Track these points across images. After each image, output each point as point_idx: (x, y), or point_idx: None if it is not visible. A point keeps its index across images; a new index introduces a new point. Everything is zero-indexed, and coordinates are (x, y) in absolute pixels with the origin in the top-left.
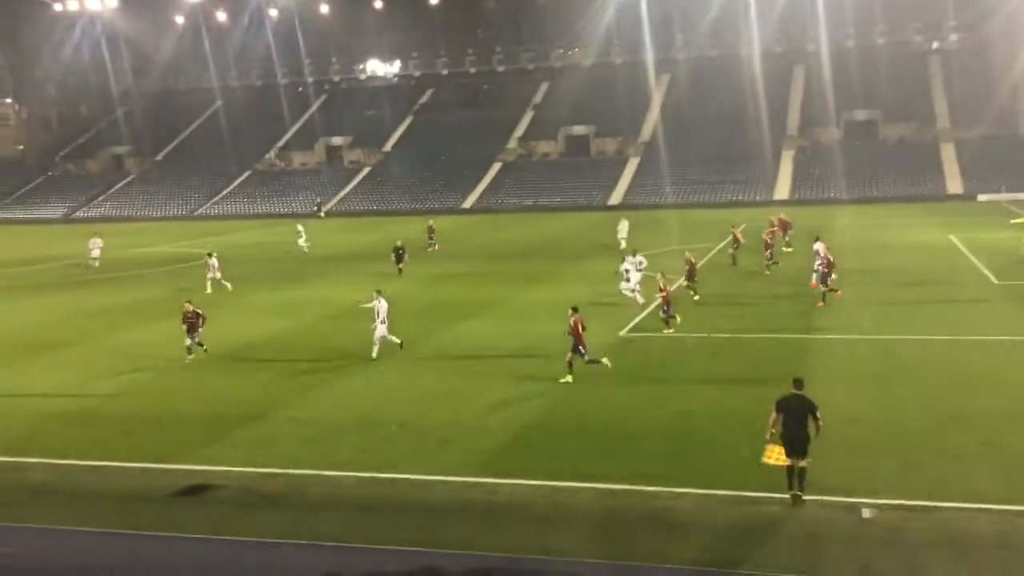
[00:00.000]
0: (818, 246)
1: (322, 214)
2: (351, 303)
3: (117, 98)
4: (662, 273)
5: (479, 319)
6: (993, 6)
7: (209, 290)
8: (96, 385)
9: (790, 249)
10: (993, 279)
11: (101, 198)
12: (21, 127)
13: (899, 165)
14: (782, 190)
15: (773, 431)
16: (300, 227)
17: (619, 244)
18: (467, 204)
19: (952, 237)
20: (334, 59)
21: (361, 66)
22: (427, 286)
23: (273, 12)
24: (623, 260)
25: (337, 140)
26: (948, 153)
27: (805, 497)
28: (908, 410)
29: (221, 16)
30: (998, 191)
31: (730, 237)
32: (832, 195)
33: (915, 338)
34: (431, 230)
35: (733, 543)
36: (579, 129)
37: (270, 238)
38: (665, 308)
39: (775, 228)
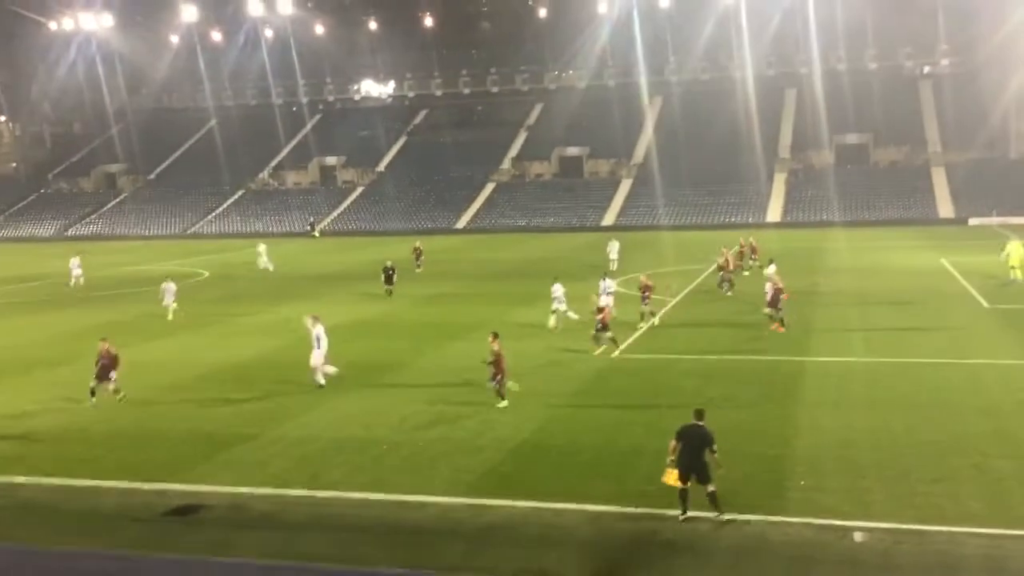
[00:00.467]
0: (769, 271)
1: (316, 233)
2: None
3: (112, 116)
4: (595, 293)
5: (469, 340)
6: (984, 31)
7: (171, 316)
8: (86, 404)
9: (746, 273)
10: (984, 303)
11: (93, 216)
12: (14, 145)
13: (891, 188)
14: (774, 212)
15: (672, 457)
16: (262, 247)
17: (610, 265)
18: (460, 224)
19: (943, 261)
20: (329, 79)
21: (356, 86)
22: (417, 306)
23: (268, 32)
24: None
25: (331, 160)
26: (939, 177)
27: (724, 516)
28: (899, 433)
29: (216, 36)
30: (989, 215)
31: (722, 259)
32: (824, 218)
33: (907, 361)
34: (418, 251)
35: (724, 565)
36: (572, 150)
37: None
38: (599, 327)
39: (738, 250)
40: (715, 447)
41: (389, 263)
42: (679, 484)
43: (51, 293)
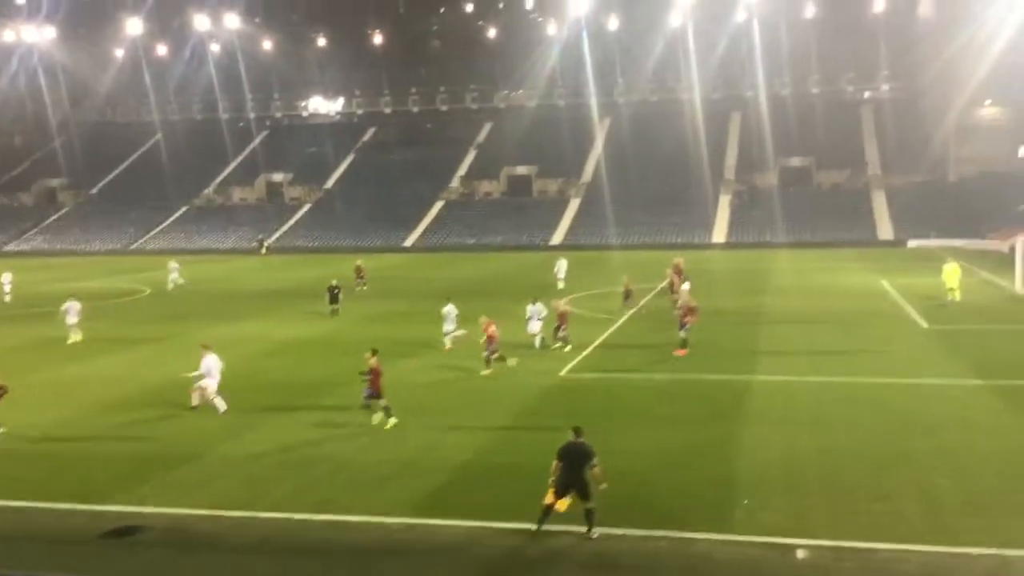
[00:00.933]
0: (684, 288)
1: (264, 250)
2: (283, 340)
3: (54, 129)
4: (486, 315)
5: (415, 358)
6: (923, 58)
7: (75, 338)
8: (21, 423)
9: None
10: (923, 323)
11: (34, 231)
12: None
13: (833, 211)
14: (720, 233)
15: (553, 477)
16: (173, 264)
17: (557, 284)
18: (409, 242)
19: (884, 282)
20: (277, 95)
21: (304, 103)
22: (363, 325)
23: (215, 47)
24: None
25: (278, 176)
26: (879, 200)
27: (594, 533)
28: (843, 451)
29: (162, 49)
30: (928, 237)
31: (667, 280)
32: (769, 239)
33: (849, 380)
34: (359, 270)
35: None
36: (522, 169)
37: (207, 274)
38: (488, 349)
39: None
40: (595, 462)
41: (334, 282)
42: (552, 501)
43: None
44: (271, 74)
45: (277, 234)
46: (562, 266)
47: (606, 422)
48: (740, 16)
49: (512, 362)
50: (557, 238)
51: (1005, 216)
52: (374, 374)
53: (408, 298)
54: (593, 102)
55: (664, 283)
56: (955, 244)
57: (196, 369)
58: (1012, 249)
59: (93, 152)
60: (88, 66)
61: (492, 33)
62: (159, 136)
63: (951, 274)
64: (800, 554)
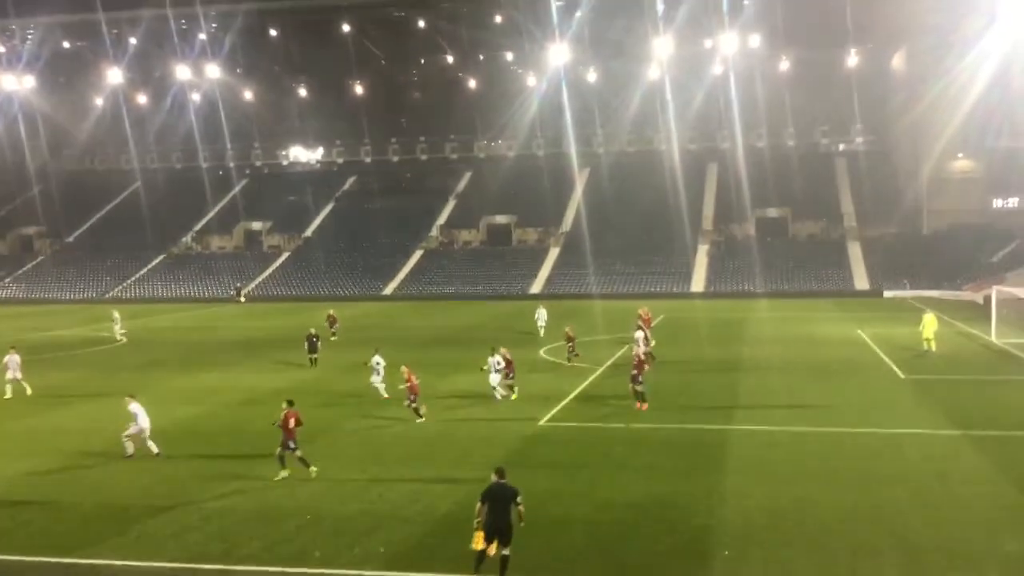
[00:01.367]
0: (637, 335)
1: (241, 299)
2: (258, 389)
3: (32, 177)
4: (407, 366)
5: (394, 407)
6: (895, 112)
7: (9, 394)
8: None
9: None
10: (900, 373)
11: (7, 280)
12: None
13: (809, 261)
14: (698, 282)
15: (479, 519)
16: (116, 314)
17: (538, 332)
18: (388, 291)
19: (861, 332)
20: (257, 144)
21: (284, 151)
22: (342, 374)
23: (196, 96)
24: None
25: (257, 224)
26: (855, 250)
27: None
28: (822, 502)
29: (142, 98)
30: (902, 288)
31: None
32: (747, 288)
33: (829, 431)
34: (331, 319)
35: None
36: (501, 218)
37: (184, 322)
38: (409, 398)
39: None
40: (520, 500)
41: (312, 331)
42: (482, 546)
43: None
44: (252, 123)
45: (255, 282)
46: (542, 314)
47: (585, 472)
48: (717, 69)
49: (513, 395)
50: (537, 287)
51: (979, 267)
52: (285, 424)
53: (387, 347)
54: (572, 152)
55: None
56: (930, 295)
57: (130, 422)
58: (986, 300)
59: (71, 200)
60: (68, 114)
61: (472, 84)
62: (138, 184)
63: (928, 325)
64: None
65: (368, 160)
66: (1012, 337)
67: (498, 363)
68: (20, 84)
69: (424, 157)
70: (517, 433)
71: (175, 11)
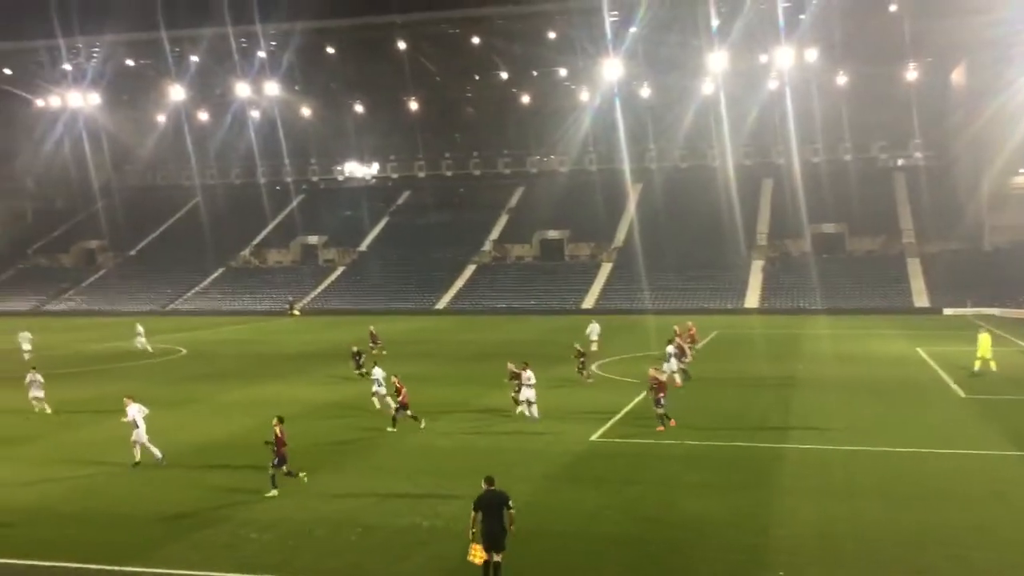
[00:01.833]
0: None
1: (295, 312)
2: (313, 403)
3: (97, 193)
4: (398, 378)
5: (445, 420)
6: (956, 126)
7: (38, 409)
8: (52, 483)
9: (687, 360)
10: (960, 392)
11: (71, 292)
12: None
13: (867, 277)
14: (752, 299)
15: (474, 530)
16: (140, 328)
17: (590, 346)
18: (441, 305)
19: (919, 350)
20: (314, 160)
21: (340, 167)
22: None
23: (255, 113)
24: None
25: (313, 239)
26: (914, 267)
27: None
28: (879, 523)
29: (203, 116)
30: (963, 305)
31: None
32: (802, 305)
33: (886, 450)
34: (373, 335)
35: None
36: (553, 233)
37: (241, 335)
38: (399, 407)
39: (690, 332)
40: (511, 504)
41: (355, 348)
42: (484, 557)
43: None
44: (308, 139)
45: (311, 296)
46: (595, 329)
47: (636, 488)
48: (772, 84)
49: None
50: (589, 302)
51: None
52: (278, 442)
53: (439, 361)
54: (625, 167)
55: (680, 347)
56: (991, 312)
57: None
58: None
59: (134, 215)
60: (131, 131)
61: (526, 99)
62: (198, 199)
63: (983, 343)
64: None
65: (422, 175)
66: None
67: (529, 378)
68: (85, 101)
69: (477, 172)
70: (568, 448)
71: (235, 30)
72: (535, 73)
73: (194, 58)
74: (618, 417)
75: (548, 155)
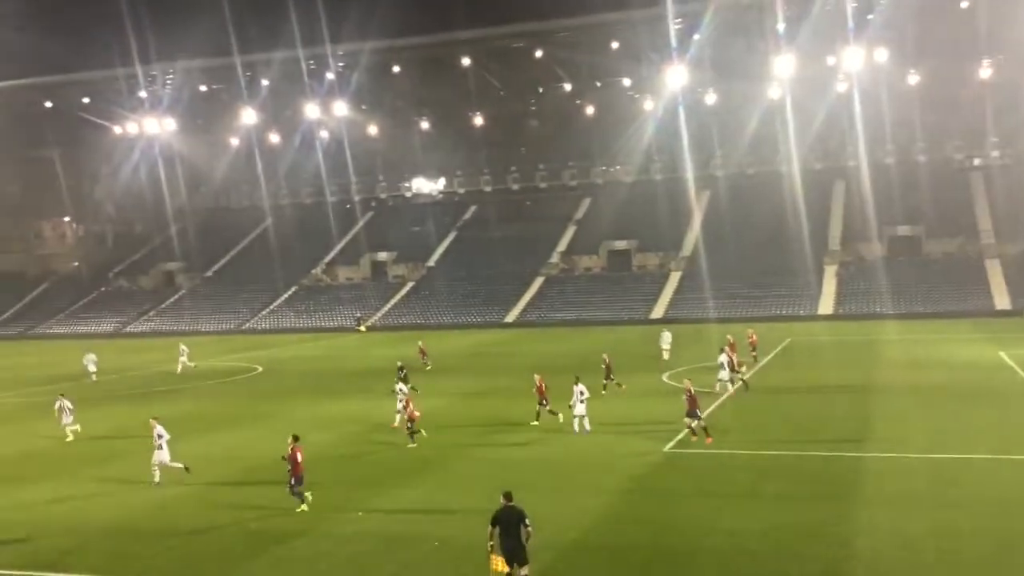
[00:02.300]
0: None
1: (362, 328)
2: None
3: (171, 216)
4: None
5: (520, 433)
6: None
7: (71, 437)
8: (138, 499)
9: (743, 369)
10: None
11: (152, 313)
12: (77, 244)
13: (944, 280)
14: (826, 305)
15: (492, 543)
16: (183, 347)
17: (662, 355)
18: (510, 318)
19: (1002, 354)
20: (381, 177)
21: (407, 183)
22: (465, 401)
23: (324, 133)
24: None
25: (382, 255)
26: (994, 268)
27: None
28: (964, 533)
29: (274, 137)
30: None
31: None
32: (877, 310)
33: (970, 457)
34: (422, 351)
35: None
36: (621, 244)
37: (313, 352)
38: (409, 424)
39: (750, 339)
40: (528, 522)
41: (399, 363)
42: (506, 569)
43: (110, 388)
44: (376, 157)
45: (381, 312)
46: (666, 337)
47: (711, 500)
48: (840, 86)
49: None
50: (658, 312)
51: None
52: (293, 460)
53: (510, 374)
54: (690, 175)
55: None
56: None
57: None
58: None
59: (208, 237)
60: (204, 155)
61: (590, 110)
62: (269, 220)
63: None
64: None
65: (488, 189)
66: None
67: (582, 392)
68: (161, 127)
69: (543, 185)
70: (641, 460)
71: (305, 52)
72: (598, 83)
73: (265, 81)
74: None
75: (613, 165)
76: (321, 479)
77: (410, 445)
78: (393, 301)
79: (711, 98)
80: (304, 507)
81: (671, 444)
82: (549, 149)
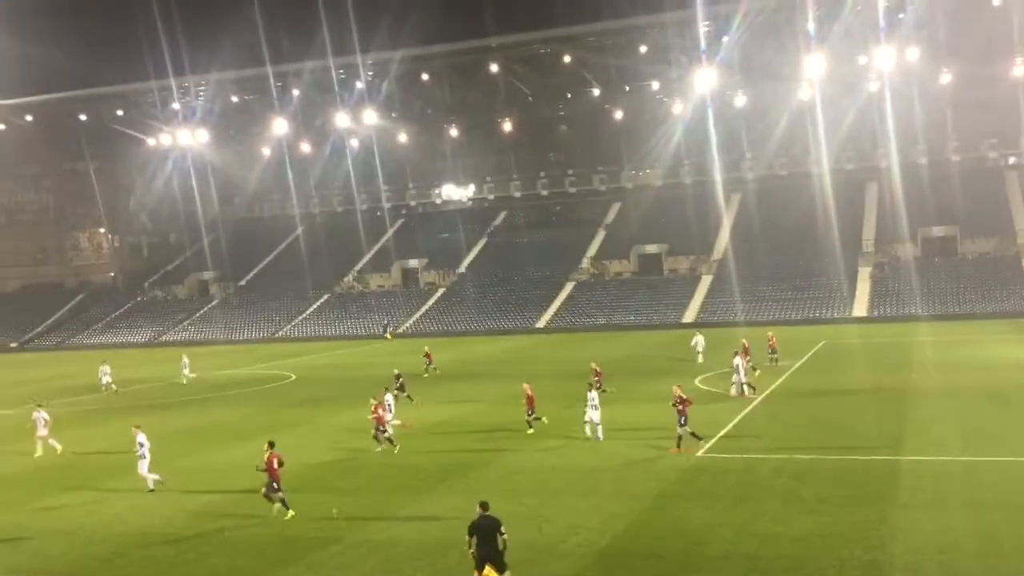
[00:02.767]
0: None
1: (388, 336)
2: (419, 425)
3: (204, 226)
4: (377, 400)
5: (550, 439)
6: None
7: (39, 452)
8: (175, 507)
9: (758, 372)
10: None
11: (186, 322)
12: (113, 255)
13: (980, 281)
14: (860, 307)
15: (472, 552)
16: (185, 359)
17: (696, 359)
18: (541, 324)
19: None
20: (411, 185)
21: (437, 190)
22: (495, 407)
23: (354, 142)
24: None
25: (413, 262)
26: None
27: None
28: (1004, 538)
29: (305, 147)
30: None
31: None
32: (911, 312)
33: (1009, 460)
34: (428, 356)
35: None
36: (651, 248)
37: (346, 359)
38: (378, 428)
39: (769, 342)
40: (503, 530)
41: (396, 371)
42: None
43: (146, 397)
44: (406, 165)
45: (412, 319)
46: (699, 341)
47: (746, 505)
48: (871, 85)
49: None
50: (689, 316)
51: None
52: (270, 466)
53: (541, 380)
54: (720, 178)
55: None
56: None
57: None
58: None
59: (241, 246)
60: (236, 166)
61: (618, 115)
62: (301, 229)
63: None
64: None
65: (518, 195)
66: None
67: (593, 399)
68: (194, 138)
69: (573, 190)
70: (674, 465)
71: (335, 61)
72: (627, 88)
73: (296, 91)
74: (724, 432)
75: (642, 169)
76: (356, 486)
77: (376, 449)
78: (424, 308)
79: (740, 100)
80: (291, 513)
81: (703, 449)
82: (578, 154)
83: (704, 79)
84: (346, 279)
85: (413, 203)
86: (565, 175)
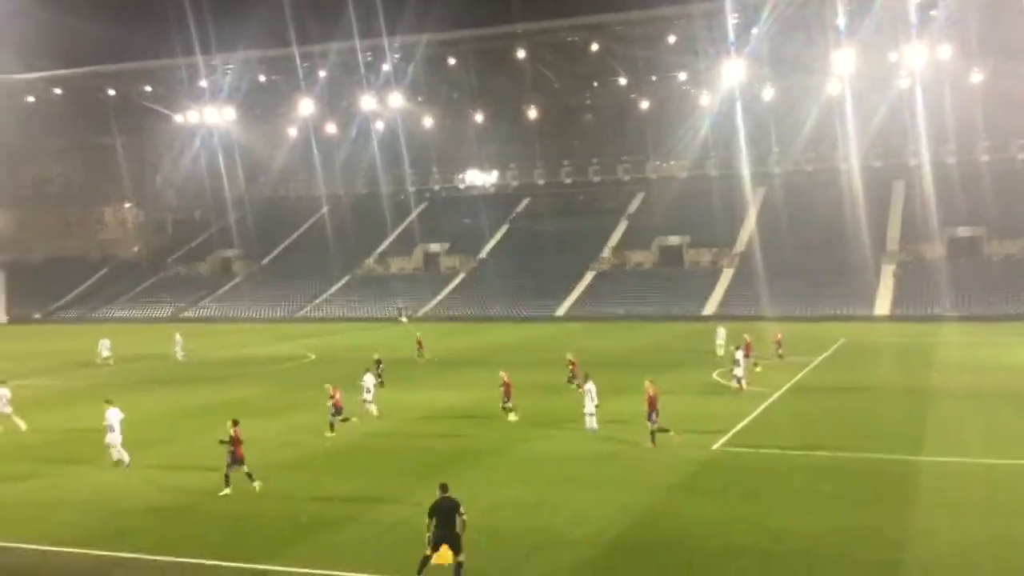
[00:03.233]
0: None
1: (404, 319)
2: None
3: (230, 204)
4: (333, 384)
5: (566, 428)
6: None
7: (7, 425)
8: (190, 482)
9: (758, 369)
10: None
11: (208, 299)
12: (138, 231)
13: (1007, 282)
14: (883, 305)
15: (429, 534)
16: (178, 337)
17: (717, 351)
18: (560, 312)
19: None
20: (435, 169)
21: (461, 175)
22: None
23: (380, 125)
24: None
25: (435, 247)
26: None
27: None
28: (1020, 543)
29: (331, 128)
30: None
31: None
32: (936, 312)
33: None
34: (419, 343)
35: None
36: (673, 239)
37: (365, 340)
38: (333, 412)
39: (776, 339)
40: (463, 511)
41: (376, 355)
42: (449, 559)
43: (168, 372)
44: (430, 149)
45: (433, 303)
46: (721, 334)
47: (760, 500)
48: (902, 82)
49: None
50: (710, 309)
51: None
52: (235, 442)
53: (549, 368)
54: (746, 172)
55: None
56: None
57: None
58: None
59: (265, 225)
60: (263, 145)
61: (645, 105)
62: (325, 210)
63: None
64: None
65: (541, 182)
66: None
67: (590, 389)
68: (221, 116)
69: (596, 179)
70: (688, 457)
71: (362, 43)
72: (654, 78)
73: (323, 72)
74: (740, 426)
75: (668, 160)
76: (373, 467)
77: (327, 434)
78: (445, 292)
79: (768, 93)
80: (227, 491)
81: (720, 442)
82: (603, 143)
83: (732, 71)
84: (368, 261)
85: (436, 187)
86: (589, 164)
